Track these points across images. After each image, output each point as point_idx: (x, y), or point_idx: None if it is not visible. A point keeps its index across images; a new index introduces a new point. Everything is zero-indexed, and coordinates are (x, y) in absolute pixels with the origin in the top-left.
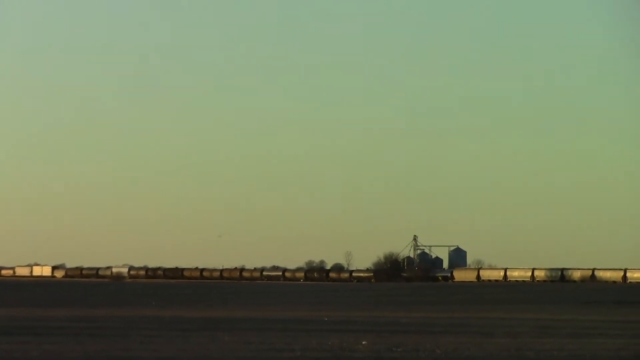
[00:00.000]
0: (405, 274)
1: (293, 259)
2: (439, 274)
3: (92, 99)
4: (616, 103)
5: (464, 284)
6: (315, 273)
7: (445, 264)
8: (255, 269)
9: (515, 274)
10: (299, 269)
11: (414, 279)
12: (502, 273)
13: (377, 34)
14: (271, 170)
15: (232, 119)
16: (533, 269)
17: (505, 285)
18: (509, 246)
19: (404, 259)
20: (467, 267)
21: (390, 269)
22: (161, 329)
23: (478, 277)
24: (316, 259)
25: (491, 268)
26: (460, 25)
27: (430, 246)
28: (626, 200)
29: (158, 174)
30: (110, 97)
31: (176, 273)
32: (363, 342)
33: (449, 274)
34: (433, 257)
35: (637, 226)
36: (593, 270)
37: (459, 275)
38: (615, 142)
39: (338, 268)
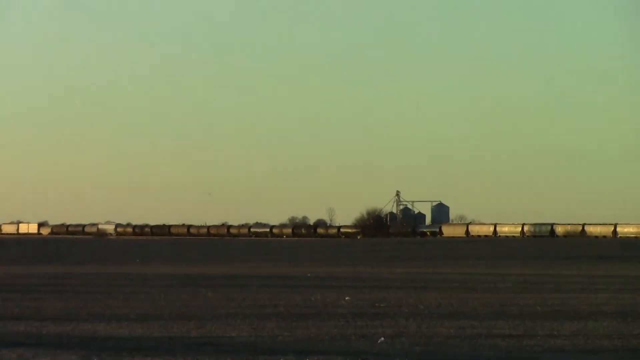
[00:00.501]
0: (391, 230)
1: (276, 215)
2: (427, 229)
3: (76, 61)
4: (605, 59)
5: (449, 240)
6: (303, 229)
7: (428, 220)
8: (242, 225)
9: (505, 229)
10: (285, 225)
11: (398, 234)
12: (491, 228)
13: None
14: (254, 129)
15: (216, 80)
16: (523, 224)
17: (492, 241)
18: (494, 202)
19: (386, 215)
20: (451, 222)
21: (374, 225)
22: (144, 286)
23: (467, 232)
24: (299, 215)
25: (480, 223)
26: None
27: (412, 202)
28: (616, 156)
29: (143, 132)
30: (95, 58)
31: (163, 230)
32: (346, 298)
33: (438, 229)
34: (415, 212)
35: (627, 181)
36: (583, 225)
37: (448, 230)
38: (603, 94)
39: (323, 224)
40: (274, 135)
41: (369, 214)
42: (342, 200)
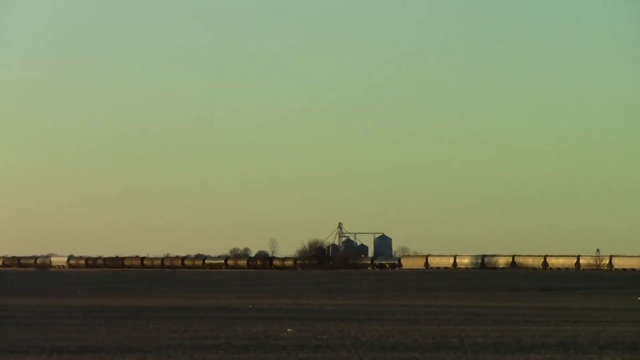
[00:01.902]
0: (363, 262)
1: (216, 246)
2: (386, 262)
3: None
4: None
5: (393, 272)
6: (259, 261)
7: (371, 252)
8: (197, 256)
9: (465, 261)
10: (228, 257)
11: (341, 266)
12: (451, 260)
13: None
14: (196, 157)
15: (153, 115)
16: (483, 256)
17: (442, 273)
18: (432, 233)
19: (328, 246)
20: (401, 254)
21: (316, 257)
22: (86, 318)
23: (426, 264)
24: (240, 246)
25: (440, 255)
26: None
27: (355, 233)
28: (545, 187)
29: (99, 164)
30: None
31: (116, 262)
32: (288, 330)
33: (397, 261)
34: (358, 244)
35: (556, 212)
36: (513, 256)
37: (407, 262)
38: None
39: (264, 255)
40: (215, 166)
41: (310, 245)
42: (284, 232)
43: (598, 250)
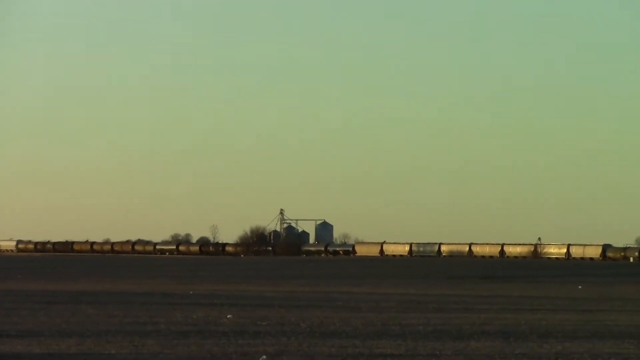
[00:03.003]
0: (317, 249)
1: (158, 233)
2: (340, 248)
3: None
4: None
5: (336, 259)
6: (210, 247)
7: (312, 238)
8: (147, 242)
9: (421, 249)
10: (191, 243)
11: (283, 252)
12: (407, 248)
13: None
14: (138, 146)
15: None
16: (439, 244)
17: (380, 260)
18: (379, 221)
19: (270, 233)
20: (341, 240)
21: (258, 242)
22: (26, 302)
23: (382, 251)
24: (182, 232)
25: (396, 243)
26: None
27: (296, 220)
28: (501, 175)
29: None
30: None
31: (66, 247)
32: (228, 316)
33: (351, 248)
34: (299, 230)
35: (514, 202)
36: (470, 244)
37: (362, 249)
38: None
39: (206, 241)
40: (158, 152)
41: (252, 231)
42: (225, 218)
43: (539, 238)
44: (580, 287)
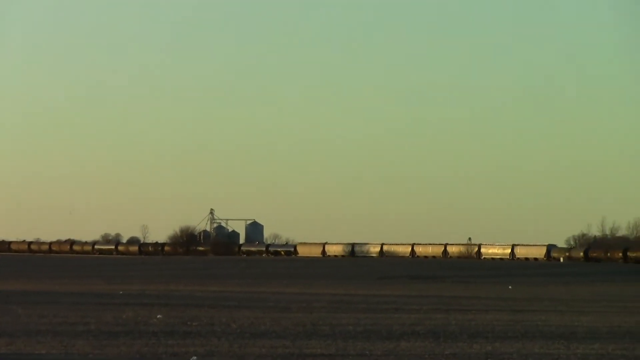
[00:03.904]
0: (205, 247)
1: (87, 232)
2: (281, 249)
3: None
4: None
5: (270, 259)
6: (150, 247)
7: (242, 238)
8: (86, 242)
9: (363, 249)
10: (131, 243)
11: (213, 252)
12: (349, 248)
13: None
14: (70, 141)
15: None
16: (382, 244)
17: (311, 260)
18: (304, 221)
19: (200, 232)
20: (271, 240)
21: (188, 242)
22: None
23: (323, 252)
24: (112, 231)
25: (337, 243)
26: None
27: (227, 220)
28: (442, 178)
29: None
30: None
31: (3, 246)
32: (158, 316)
33: (293, 248)
34: (230, 230)
35: (454, 203)
36: (382, 245)
37: (304, 250)
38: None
39: (136, 240)
40: (88, 152)
41: (182, 231)
42: (155, 217)
43: (470, 238)
44: (510, 287)
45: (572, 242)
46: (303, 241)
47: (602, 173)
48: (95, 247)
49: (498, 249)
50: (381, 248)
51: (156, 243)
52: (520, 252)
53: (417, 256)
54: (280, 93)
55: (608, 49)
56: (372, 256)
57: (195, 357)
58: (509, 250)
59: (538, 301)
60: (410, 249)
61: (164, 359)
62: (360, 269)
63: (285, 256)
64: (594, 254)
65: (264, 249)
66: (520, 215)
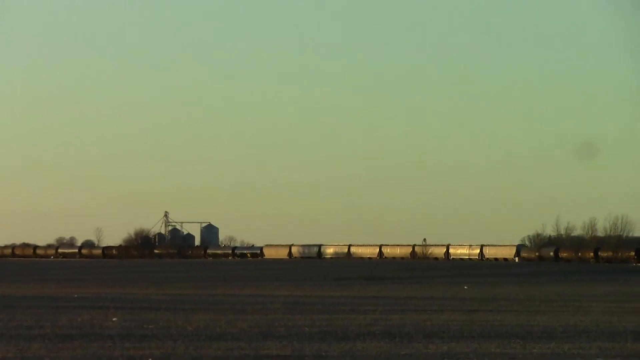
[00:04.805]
0: (159, 250)
1: (42, 236)
2: (247, 251)
3: None
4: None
5: (220, 261)
6: (114, 250)
7: (197, 241)
8: (48, 246)
9: (330, 251)
10: (94, 246)
11: (167, 255)
12: (315, 249)
13: None
14: (25, 145)
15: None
16: (349, 245)
17: (264, 262)
18: (262, 224)
19: (155, 235)
20: (226, 242)
21: (142, 245)
22: None
23: (290, 254)
24: (66, 235)
25: (305, 245)
26: None
27: (181, 222)
28: (382, 179)
29: None
30: None
31: None
32: (113, 319)
33: (259, 251)
34: (185, 233)
35: (392, 205)
36: (349, 246)
37: (270, 252)
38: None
39: (90, 244)
40: (40, 155)
41: (136, 234)
42: (109, 221)
43: (424, 239)
44: (466, 287)
45: (527, 242)
46: (268, 243)
47: (556, 172)
48: (59, 250)
49: (466, 249)
50: (349, 249)
51: (120, 246)
52: (490, 253)
53: (386, 257)
54: (234, 94)
55: (575, 45)
56: (328, 258)
57: None
58: (478, 251)
59: (493, 301)
60: (346, 249)
61: None
62: (316, 271)
63: (251, 258)
64: (564, 254)
65: (230, 251)
66: (480, 214)
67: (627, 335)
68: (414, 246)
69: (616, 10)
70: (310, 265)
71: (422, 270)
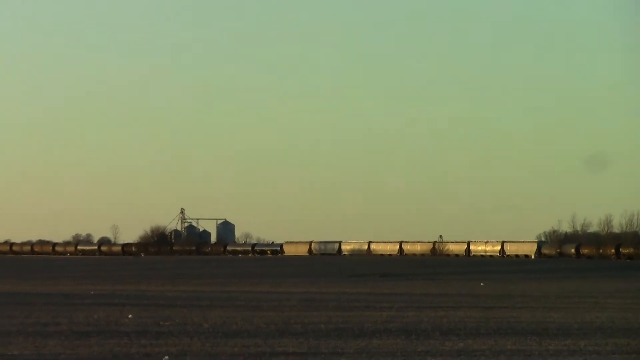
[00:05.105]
0: (176, 247)
1: (59, 233)
2: (267, 248)
3: None
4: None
5: (237, 258)
6: (133, 247)
7: (214, 238)
8: (67, 242)
9: (348, 247)
10: (114, 244)
11: (183, 252)
12: (335, 247)
13: None
14: (38, 141)
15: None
16: (370, 242)
17: (280, 259)
18: (279, 221)
19: (171, 232)
20: (242, 240)
21: (159, 242)
22: None
23: (310, 250)
24: (83, 232)
25: (325, 242)
26: None
27: (197, 219)
28: (399, 178)
29: None
30: None
31: None
32: (129, 316)
33: (279, 247)
34: (200, 230)
35: (412, 202)
36: (369, 242)
37: (290, 249)
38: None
39: (107, 241)
40: (57, 151)
41: (152, 231)
42: (126, 217)
43: (440, 236)
44: (482, 284)
45: (542, 238)
46: (288, 240)
47: (573, 169)
48: (78, 247)
49: (488, 246)
50: (369, 246)
51: (138, 243)
52: (511, 249)
53: (383, 254)
54: (249, 94)
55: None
56: (348, 254)
57: (167, 357)
58: (499, 248)
59: (509, 298)
60: (398, 246)
61: (136, 358)
62: (331, 267)
63: (271, 255)
64: (586, 250)
65: (249, 248)
66: (489, 212)
67: None
68: (434, 243)
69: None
70: (326, 262)
71: (437, 267)
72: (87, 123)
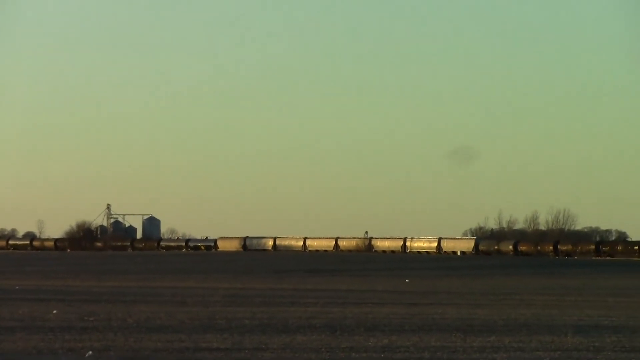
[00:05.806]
0: (101, 242)
1: None
2: (201, 243)
3: None
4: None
5: (162, 254)
6: (66, 243)
7: (139, 233)
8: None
9: (285, 243)
10: (46, 239)
11: (109, 247)
12: (270, 242)
13: None
14: None
15: None
16: (305, 238)
17: (208, 255)
18: (210, 216)
19: (97, 228)
20: (168, 235)
21: (84, 237)
22: None
23: (244, 246)
24: (7, 227)
25: (259, 237)
26: None
27: (123, 215)
28: (334, 171)
29: None
30: None
31: None
32: (54, 311)
33: (213, 243)
34: (127, 225)
35: (348, 197)
36: (304, 238)
37: (224, 244)
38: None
39: (33, 236)
40: None
41: (78, 226)
42: (51, 212)
43: (366, 232)
44: (407, 280)
45: (468, 235)
46: (224, 235)
47: (499, 166)
48: (10, 242)
49: (425, 242)
50: (304, 242)
51: (69, 238)
52: (448, 246)
53: (309, 250)
54: (168, 88)
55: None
56: (283, 250)
57: (91, 352)
58: (436, 244)
59: (435, 294)
60: (302, 242)
61: (60, 354)
62: (257, 263)
63: (205, 250)
64: (524, 247)
65: (183, 244)
66: (419, 208)
67: (567, 329)
68: (370, 239)
69: None
70: (255, 257)
71: (367, 263)
72: (9, 116)
